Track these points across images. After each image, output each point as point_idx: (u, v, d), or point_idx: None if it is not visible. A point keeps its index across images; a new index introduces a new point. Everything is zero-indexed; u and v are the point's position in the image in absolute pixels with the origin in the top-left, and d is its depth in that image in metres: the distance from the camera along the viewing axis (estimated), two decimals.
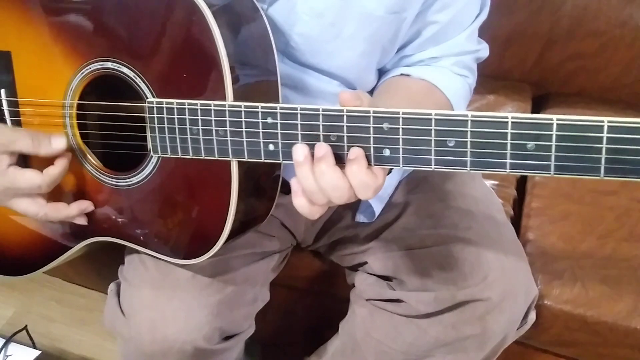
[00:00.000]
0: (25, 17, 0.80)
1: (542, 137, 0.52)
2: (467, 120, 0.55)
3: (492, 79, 1.43)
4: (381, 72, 0.91)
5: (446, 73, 0.86)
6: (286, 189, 0.84)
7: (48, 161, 0.78)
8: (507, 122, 0.53)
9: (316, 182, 0.61)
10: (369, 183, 0.60)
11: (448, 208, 0.90)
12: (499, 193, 1.16)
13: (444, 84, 0.84)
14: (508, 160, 0.54)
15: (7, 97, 0.83)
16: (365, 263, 0.94)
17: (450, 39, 0.85)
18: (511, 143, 0.54)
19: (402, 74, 0.85)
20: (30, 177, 0.75)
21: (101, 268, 1.39)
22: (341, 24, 0.78)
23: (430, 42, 0.85)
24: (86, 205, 0.81)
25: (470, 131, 0.55)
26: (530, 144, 0.53)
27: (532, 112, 1.43)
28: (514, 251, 0.87)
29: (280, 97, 0.76)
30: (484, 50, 0.90)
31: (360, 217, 0.94)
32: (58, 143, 0.76)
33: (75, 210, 0.80)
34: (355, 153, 0.60)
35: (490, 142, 0.54)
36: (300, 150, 0.62)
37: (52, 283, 1.60)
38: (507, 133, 0.53)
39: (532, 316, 0.91)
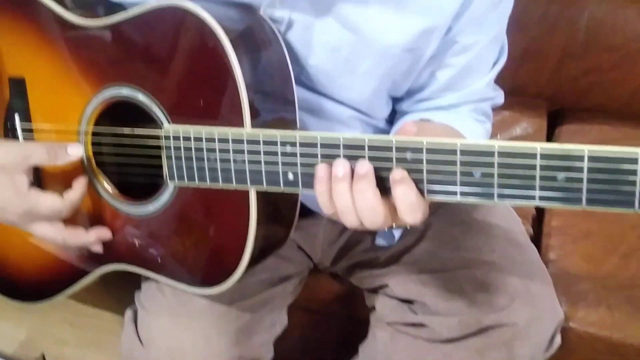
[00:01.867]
0: (40, 43, 0.79)
1: (572, 168, 0.51)
2: (493, 151, 0.53)
3: (506, 95, 1.39)
4: (397, 112, 0.90)
5: (466, 119, 0.84)
6: (303, 212, 0.83)
7: (65, 185, 0.77)
8: (536, 153, 0.51)
9: (353, 201, 0.59)
10: (419, 205, 0.58)
11: (470, 230, 0.89)
12: (518, 211, 1.14)
13: (467, 130, 0.82)
14: (537, 192, 0.53)
15: (21, 122, 0.82)
16: (386, 286, 0.93)
17: (469, 86, 0.83)
18: (540, 175, 0.52)
19: (422, 119, 0.84)
20: (51, 201, 0.74)
21: (114, 290, 1.38)
22: (356, 60, 0.76)
23: (448, 88, 0.83)
24: (104, 232, 0.80)
25: (498, 162, 0.53)
26: (561, 176, 0.51)
27: (548, 128, 1.42)
28: (539, 274, 0.86)
29: (297, 122, 0.75)
30: (499, 97, 0.90)
31: (380, 241, 0.93)
32: (75, 150, 0.75)
33: (93, 237, 0.79)
34: (400, 174, 0.58)
35: (519, 174, 0.53)
36: (341, 165, 0.60)
37: (65, 305, 1.58)
38: (535, 164, 0.52)
39: (558, 339, 0.89)
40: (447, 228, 0.90)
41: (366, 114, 0.86)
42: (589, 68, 1.37)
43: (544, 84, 1.43)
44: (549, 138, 1.40)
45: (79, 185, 0.76)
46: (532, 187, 0.53)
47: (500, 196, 0.54)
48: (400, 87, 0.84)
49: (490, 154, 0.54)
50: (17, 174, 0.72)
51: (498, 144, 0.53)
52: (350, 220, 0.60)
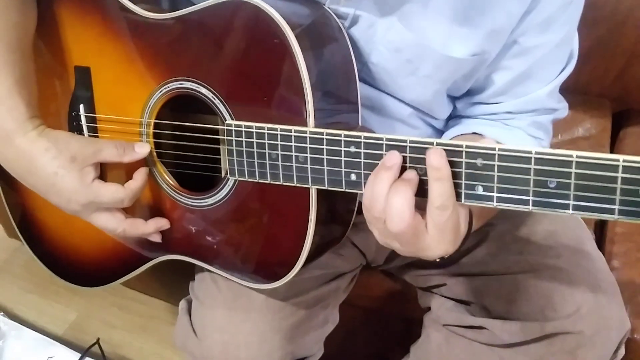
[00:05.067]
0: (106, 33, 0.80)
1: None
2: (571, 161, 0.51)
3: (569, 94, 1.34)
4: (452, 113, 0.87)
5: (521, 136, 0.81)
6: (358, 209, 0.82)
7: (126, 176, 0.79)
8: (618, 165, 0.49)
9: (386, 195, 0.57)
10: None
11: (534, 233, 0.86)
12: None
13: None
14: (617, 207, 0.50)
15: (85, 112, 0.84)
16: (443, 285, 0.91)
17: (528, 93, 0.79)
18: (621, 188, 0.49)
19: (474, 132, 0.81)
20: (114, 191, 0.75)
21: (161, 276, 1.40)
22: (418, 62, 0.74)
23: (504, 93, 0.79)
24: (163, 223, 0.81)
25: (575, 172, 0.51)
26: None
27: (612, 129, 1.36)
28: (607, 282, 0.82)
29: (360, 120, 0.74)
30: (563, 110, 0.84)
31: None
32: (142, 149, 0.77)
33: (152, 228, 0.80)
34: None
35: (597, 186, 0.50)
36: (395, 157, 0.58)
37: (114, 289, 1.59)
38: (617, 177, 0.49)
39: (622, 351, 0.86)
40: (511, 229, 0.88)
41: (427, 114, 0.84)
42: None
43: (610, 84, 1.37)
44: (613, 140, 1.35)
45: (141, 176, 0.78)
46: (612, 201, 0.50)
47: (576, 208, 0.52)
48: (461, 88, 0.82)
49: (568, 164, 0.51)
50: (86, 166, 0.74)
51: (576, 154, 0.50)
52: (376, 210, 0.58)
